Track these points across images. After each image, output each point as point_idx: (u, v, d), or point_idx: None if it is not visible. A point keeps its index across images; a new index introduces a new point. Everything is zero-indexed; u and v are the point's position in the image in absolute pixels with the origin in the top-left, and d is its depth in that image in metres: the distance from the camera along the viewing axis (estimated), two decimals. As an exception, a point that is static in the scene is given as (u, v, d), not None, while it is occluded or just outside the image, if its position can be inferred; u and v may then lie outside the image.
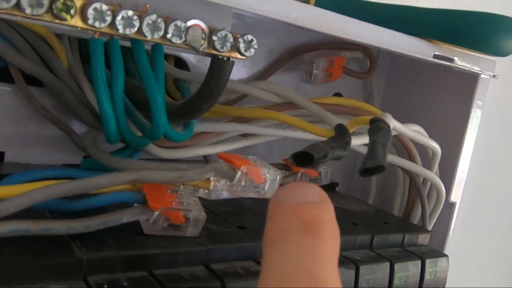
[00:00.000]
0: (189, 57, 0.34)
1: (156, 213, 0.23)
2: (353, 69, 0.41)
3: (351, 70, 0.40)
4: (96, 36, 0.23)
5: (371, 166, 0.21)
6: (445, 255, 0.34)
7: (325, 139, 0.28)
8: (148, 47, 0.25)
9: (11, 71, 0.27)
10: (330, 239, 0.16)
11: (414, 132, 0.34)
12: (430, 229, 0.38)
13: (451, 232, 0.39)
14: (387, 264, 0.30)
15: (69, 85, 0.28)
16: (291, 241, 0.16)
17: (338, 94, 0.43)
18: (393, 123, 0.30)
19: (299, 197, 0.17)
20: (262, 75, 0.38)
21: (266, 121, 0.33)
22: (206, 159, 0.32)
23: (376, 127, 0.26)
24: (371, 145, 0.23)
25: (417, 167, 0.37)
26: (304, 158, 0.22)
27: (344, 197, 0.41)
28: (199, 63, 0.35)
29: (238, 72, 0.38)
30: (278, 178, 0.26)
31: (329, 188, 0.42)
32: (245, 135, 0.34)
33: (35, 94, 0.28)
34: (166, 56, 0.34)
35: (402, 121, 0.36)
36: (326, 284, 0.15)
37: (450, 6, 0.34)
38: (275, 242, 0.16)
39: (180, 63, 0.35)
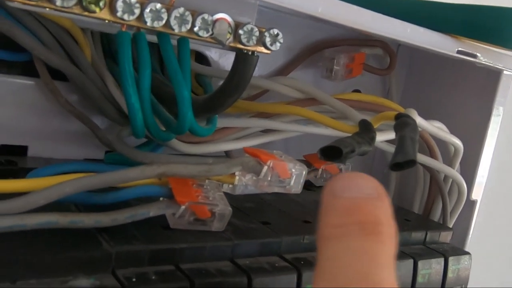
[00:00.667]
0: (210, 53, 0.34)
1: (183, 207, 0.23)
2: (373, 65, 0.41)
3: (371, 66, 0.40)
4: (123, 29, 0.23)
5: (401, 161, 0.21)
6: (468, 253, 0.33)
7: (349, 135, 0.28)
8: (172, 41, 0.25)
9: (36, 65, 0.27)
10: (388, 240, 0.16)
11: (437, 128, 0.34)
12: (451, 227, 0.38)
13: (471, 230, 0.39)
14: (411, 261, 0.30)
15: (93, 79, 0.28)
16: (349, 241, 0.16)
17: (356, 91, 0.43)
18: (418, 119, 0.30)
19: (356, 190, 0.17)
20: (282, 71, 0.37)
21: (288, 117, 0.33)
22: (228, 154, 0.32)
23: (403, 123, 0.25)
24: (400, 140, 0.22)
25: (438, 164, 0.36)
26: (332, 153, 0.22)
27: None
28: (220, 59, 0.35)
29: (257, 68, 0.37)
30: (304, 173, 0.25)
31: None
32: (266, 131, 0.33)
33: (60, 89, 0.28)
34: (187, 52, 0.34)
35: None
36: (382, 286, 0.15)
37: (473, 1, 0.34)
38: (332, 239, 0.16)
39: (201, 59, 0.35)
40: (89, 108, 0.30)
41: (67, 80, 0.28)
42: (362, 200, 0.17)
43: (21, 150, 0.30)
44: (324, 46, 0.38)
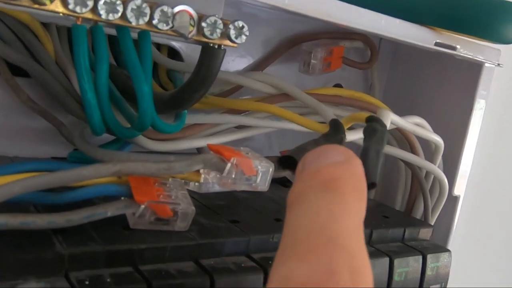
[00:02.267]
0: (183, 47, 0.33)
1: (142, 206, 0.22)
2: (354, 59, 0.40)
3: (351, 60, 0.39)
4: (78, 23, 0.22)
5: None
6: (448, 250, 0.33)
7: (318, 133, 0.27)
8: (134, 34, 0.24)
9: (-4, 61, 0.26)
10: (350, 192, 0.16)
11: (415, 126, 0.33)
12: (433, 223, 0.37)
13: (455, 226, 0.38)
14: (386, 259, 0.29)
15: (56, 75, 0.27)
16: (309, 200, 0.15)
17: (338, 85, 0.42)
18: (392, 118, 0.29)
19: (323, 159, 0.17)
20: (259, 66, 0.37)
21: (262, 113, 0.32)
22: (199, 151, 0.31)
23: (371, 129, 0.24)
24: (363, 155, 0.21)
25: (419, 160, 0.35)
26: (290, 162, 0.21)
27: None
28: (193, 53, 0.34)
29: (234, 63, 0.37)
30: (271, 170, 0.25)
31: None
32: (240, 127, 0.33)
33: (22, 85, 0.27)
34: (159, 47, 0.33)
35: (404, 113, 0.34)
36: (338, 239, 0.14)
37: None
38: (295, 204, 0.16)
39: (174, 54, 0.34)
40: (54, 105, 0.29)
41: (29, 76, 0.28)
42: (328, 165, 0.16)
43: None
44: (303, 40, 0.38)
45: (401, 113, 0.34)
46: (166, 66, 0.31)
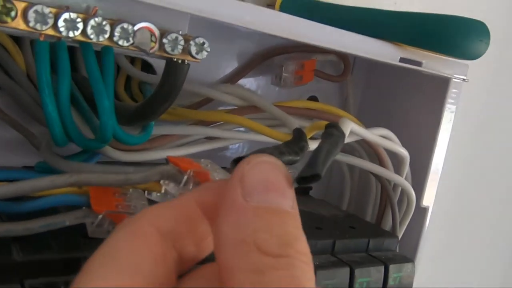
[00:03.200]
0: (156, 61, 0.34)
1: (100, 216, 0.23)
2: (328, 72, 0.41)
3: (323, 73, 0.40)
4: (41, 39, 0.23)
5: (307, 175, 0.20)
6: (411, 261, 0.33)
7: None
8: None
9: (-35, 73, 0.27)
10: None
11: (379, 137, 0.34)
12: (400, 234, 0.38)
13: (423, 237, 0.39)
14: (347, 269, 0.30)
15: (25, 87, 0.28)
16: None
17: (313, 98, 0.43)
18: (353, 128, 0.30)
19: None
20: (231, 78, 0.37)
21: (231, 124, 0.33)
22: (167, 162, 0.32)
23: (327, 134, 0.25)
24: (314, 152, 0.22)
25: (386, 172, 0.36)
26: None
27: (316, 201, 0.41)
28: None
29: (207, 75, 0.37)
30: (229, 182, 0.25)
31: (302, 192, 0.42)
32: (210, 138, 0.33)
33: (-8, 96, 0.28)
34: (133, 60, 0.34)
35: (379, 125, 0.35)
36: None
37: (433, 10, 0.34)
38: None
39: (148, 67, 0.35)
40: (25, 116, 0.30)
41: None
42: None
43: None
44: (276, 53, 0.38)
45: (376, 125, 0.35)
46: (138, 78, 0.32)
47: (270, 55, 0.38)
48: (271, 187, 0.16)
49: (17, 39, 0.28)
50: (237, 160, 0.22)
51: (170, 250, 0.16)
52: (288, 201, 0.16)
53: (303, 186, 0.22)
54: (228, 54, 0.38)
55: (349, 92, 0.43)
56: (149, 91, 0.32)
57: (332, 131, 0.26)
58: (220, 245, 0.15)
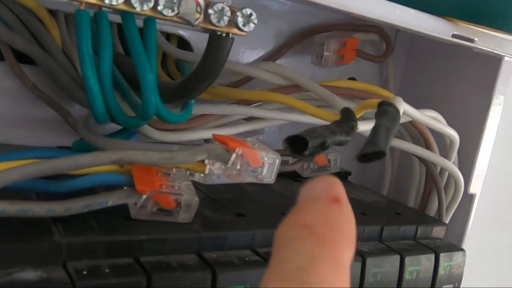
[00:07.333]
0: (193, 37, 0.33)
1: (144, 196, 0.22)
2: (368, 52, 0.39)
3: (365, 53, 0.38)
4: (82, 7, 0.21)
5: (370, 152, 0.19)
6: (462, 249, 0.31)
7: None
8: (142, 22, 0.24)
9: (1, 48, 0.26)
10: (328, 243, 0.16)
11: (429, 118, 0.32)
12: (447, 221, 0.36)
13: (470, 225, 0.37)
14: (397, 257, 0.28)
15: (62, 63, 0.26)
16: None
17: (352, 79, 0.41)
18: (404, 107, 0.28)
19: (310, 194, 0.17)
20: (270, 58, 0.36)
21: (272, 104, 0.31)
22: (207, 143, 0.30)
23: (383, 111, 0.24)
24: (374, 129, 0.21)
25: (434, 156, 0.34)
26: (298, 143, 0.20)
27: (356, 187, 0.39)
28: (203, 44, 0.33)
29: (246, 55, 0.36)
30: (277, 162, 0.24)
31: (341, 177, 0.40)
32: (250, 119, 0.32)
33: (27, 72, 0.27)
34: (169, 36, 0.33)
35: (420, 107, 0.33)
36: None
37: None
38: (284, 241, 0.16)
39: (184, 44, 0.33)
40: (61, 94, 0.28)
41: (35, 63, 0.27)
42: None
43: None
44: (316, 31, 0.37)
45: (416, 107, 0.33)
46: (174, 56, 0.31)
47: (311, 33, 0.36)
48: None
49: (52, 13, 0.27)
50: (290, 139, 0.21)
51: None
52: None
53: (365, 162, 0.21)
54: (264, 33, 0.37)
55: (390, 73, 0.41)
56: (188, 69, 0.31)
57: (387, 108, 0.24)
58: None
